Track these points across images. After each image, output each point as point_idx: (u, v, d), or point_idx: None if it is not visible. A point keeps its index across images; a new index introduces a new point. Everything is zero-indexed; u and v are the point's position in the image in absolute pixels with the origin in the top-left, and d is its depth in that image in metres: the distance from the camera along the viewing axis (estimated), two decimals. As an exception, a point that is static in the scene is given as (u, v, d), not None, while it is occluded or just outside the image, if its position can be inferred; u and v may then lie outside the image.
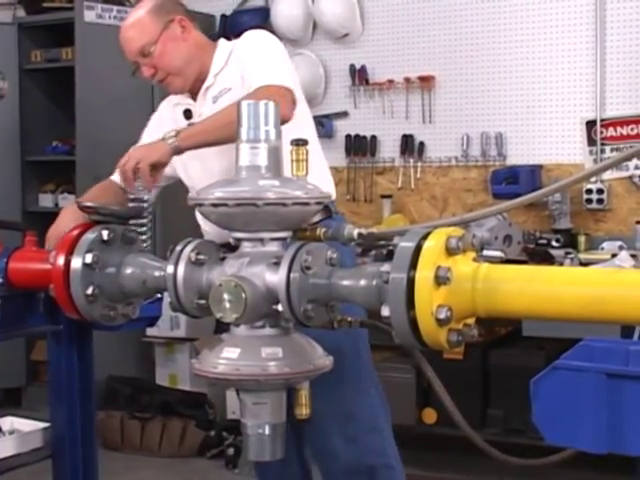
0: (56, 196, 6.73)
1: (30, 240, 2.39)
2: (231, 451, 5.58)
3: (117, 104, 6.14)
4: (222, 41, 3.37)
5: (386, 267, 1.73)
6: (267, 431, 1.92)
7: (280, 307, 1.83)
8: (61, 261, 2.07)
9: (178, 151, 2.93)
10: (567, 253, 4.97)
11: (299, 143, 2.01)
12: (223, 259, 1.95)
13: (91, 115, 6.12)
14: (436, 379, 2.09)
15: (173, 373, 6.17)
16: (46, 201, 6.77)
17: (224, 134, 2.80)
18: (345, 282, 1.84)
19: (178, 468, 5.64)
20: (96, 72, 6.12)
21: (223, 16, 6.45)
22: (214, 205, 1.89)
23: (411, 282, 1.66)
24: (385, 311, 1.71)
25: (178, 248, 1.95)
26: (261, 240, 1.92)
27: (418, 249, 1.68)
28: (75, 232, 2.11)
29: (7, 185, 6.43)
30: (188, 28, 3.27)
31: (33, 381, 6.68)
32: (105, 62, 6.08)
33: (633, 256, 4.82)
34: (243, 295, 1.79)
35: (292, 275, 1.81)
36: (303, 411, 1.96)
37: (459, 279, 1.68)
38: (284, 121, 3.04)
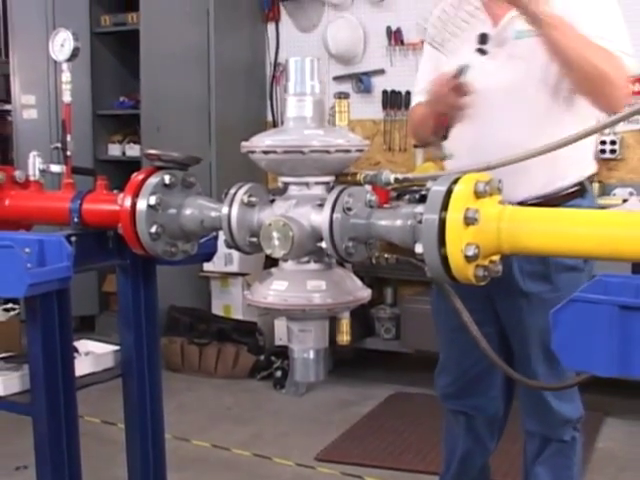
0: (123, 146, 6.78)
1: (101, 184, 2.39)
2: (279, 373, 5.63)
3: (177, 63, 6.13)
4: None
5: (420, 209, 1.72)
6: (311, 355, 1.92)
7: (324, 244, 1.82)
8: (128, 203, 2.08)
9: (537, 22, 2.45)
10: (583, 198, 4.92)
11: (341, 96, 1.99)
12: (272, 201, 1.94)
13: (154, 73, 6.11)
14: (464, 311, 2.07)
15: (227, 304, 6.20)
16: (114, 150, 6.83)
17: (579, 66, 2.48)
18: (383, 222, 1.83)
19: (232, 388, 5.70)
20: (158, 34, 6.11)
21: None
22: (264, 152, 1.87)
23: (442, 222, 1.64)
24: (419, 248, 1.70)
25: (232, 191, 1.95)
26: (307, 184, 1.90)
27: (449, 192, 1.67)
28: (140, 177, 2.11)
29: (80, 136, 6.45)
30: None
31: (105, 310, 6.76)
32: (166, 25, 6.12)
33: (642, 201, 4.79)
34: (290, 233, 1.79)
35: (335, 215, 1.79)
36: (344, 338, 1.96)
37: (486, 219, 1.66)
38: (613, 102, 2.57)
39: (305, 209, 1.86)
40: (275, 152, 1.85)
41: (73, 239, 2.25)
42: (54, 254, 2.14)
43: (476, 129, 2.69)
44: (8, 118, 7.21)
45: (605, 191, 5.26)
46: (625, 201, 4.87)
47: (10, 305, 5.36)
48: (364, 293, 1.93)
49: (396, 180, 1.92)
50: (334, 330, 1.97)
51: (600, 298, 1.50)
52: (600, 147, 5.29)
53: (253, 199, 1.92)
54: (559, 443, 2.85)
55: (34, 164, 2.49)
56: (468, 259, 1.65)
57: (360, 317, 5.65)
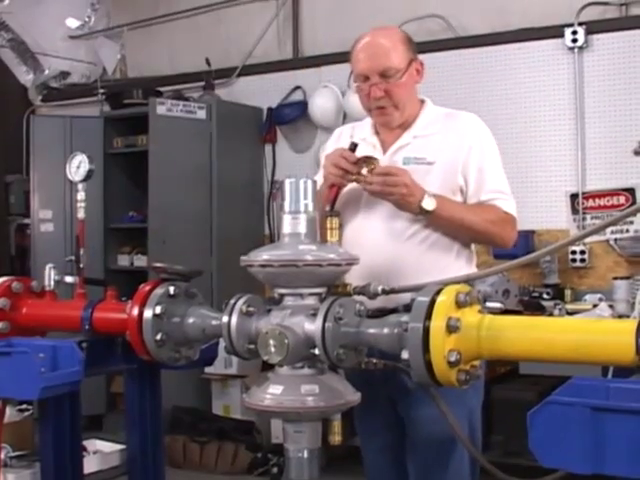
0: (131, 257, 6.78)
1: (111, 294, 2.40)
2: (275, 470, 5.53)
3: (182, 181, 6.18)
4: (430, 104, 2.77)
5: (405, 318, 1.73)
6: (305, 455, 1.91)
7: (317, 351, 1.82)
8: (135, 312, 2.09)
9: (425, 211, 2.47)
10: (556, 304, 4.94)
11: (332, 214, 2.02)
12: (269, 311, 1.95)
13: (161, 190, 6.16)
14: (448, 412, 2.06)
15: (227, 404, 6.13)
16: (123, 261, 6.82)
17: (469, 227, 2.55)
18: (371, 330, 1.83)
19: (231, 484, 5.60)
20: (165, 155, 6.17)
21: (269, 108, 6.47)
22: (262, 266, 1.89)
23: (426, 330, 1.65)
24: (405, 355, 1.70)
25: (232, 302, 1.96)
26: (301, 295, 1.92)
27: (432, 303, 1.68)
28: (147, 288, 2.12)
29: (93, 247, 6.45)
30: (421, 74, 2.71)
31: (112, 409, 6.66)
32: (172, 147, 6.18)
33: (610, 306, 4.79)
34: (286, 341, 1.79)
35: (327, 324, 1.80)
36: (335, 438, 1.94)
37: (467, 328, 1.67)
38: (506, 247, 2.66)
39: (299, 318, 1.87)
40: (272, 266, 1.87)
41: (84, 345, 2.25)
42: (66, 359, 2.14)
43: (367, 241, 2.60)
44: (27, 231, 7.24)
45: (577, 297, 5.27)
46: (595, 306, 4.88)
47: (24, 406, 5.29)
48: (354, 396, 1.93)
49: (383, 291, 1.94)
50: (327, 430, 1.95)
51: (573, 400, 1.50)
52: (571, 256, 5.33)
53: (251, 309, 1.93)
54: None
55: (50, 275, 2.50)
56: (451, 364, 1.65)
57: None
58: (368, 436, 2.75)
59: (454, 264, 2.57)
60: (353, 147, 2.54)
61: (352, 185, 2.54)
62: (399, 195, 2.43)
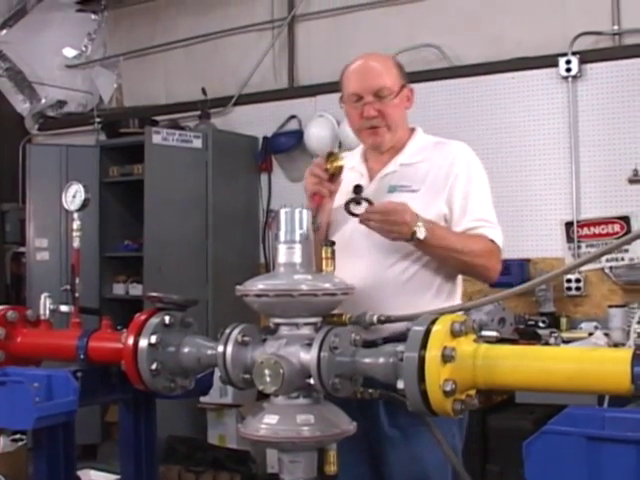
0: (127, 285, 6.77)
1: (106, 324, 2.40)
2: (271, 500, 5.51)
3: (177, 210, 6.19)
4: (420, 132, 2.79)
5: (401, 347, 1.73)
6: (301, 485, 1.89)
7: (312, 381, 1.82)
8: (131, 341, 2.08)
9: (417, 240, 2.42)
10: (551, 332, 4.93)
11: (327, 244, 2.02)
12: (264, 340, 1.95)
13: (156, 219, 6.17)
14: (444, 440, 2.06)
15: (222, 434, 6.10)
16: (119, 289, 6.81)
17: (455, 256, 2.51)
18: (367, 360, 1.83)
19: (226, 514, 5.55)
20: (161, 184, 6.18)
21: (265, 137, 6.49)
22: (257, 295, 1.89)
23: (422, 360, 1.65)
24: (400, 384, 1.70)
25: (227, 331, 1.96)
26: (296, 324, 1.92)
27: (428, 332, 1.68)
28: (142, 317, 2.12)
29: (88, 276, 6.45)
30: (411, 101, 2.73)
31: (107, 439, 6.62)
32: (168, 176, 6.19)
33: (606, 334, 4.79)
34: (281, 371, 1.79)
35: (322, 354, 1.80)
36: (331, 468, 1.93)
37: (462, 357, 1.67)
38: (490, 280, 2.62)
39: (295, 348, 1.87)
40: (267, 295, 1.87)
41: (79, 374, 2.24)
42: (61, 389, 2.13)
43: (348, 265, 2.47)
44: (22, 260, 7.24)
45: (572, 325, 5.27)
46: (591, 334, 4.88)
47: (18, 436, 5.26)
48: (350, 426, 1.92)
49: (379, 320, 1.94)
50: (322, 460, 1.94)
51: (568, 430, 1.49)
52: (566, 285, 5.34)
53: (246, 338, 1.93)
54: None
55: (45, 304, 2.50)
56: (446, 394, 1.65)
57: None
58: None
59: (432, 302, 2.47)
60: (328, 155, 2.52)
61: (341, 208, 2.52)
62: (397, 234, 2.42)
